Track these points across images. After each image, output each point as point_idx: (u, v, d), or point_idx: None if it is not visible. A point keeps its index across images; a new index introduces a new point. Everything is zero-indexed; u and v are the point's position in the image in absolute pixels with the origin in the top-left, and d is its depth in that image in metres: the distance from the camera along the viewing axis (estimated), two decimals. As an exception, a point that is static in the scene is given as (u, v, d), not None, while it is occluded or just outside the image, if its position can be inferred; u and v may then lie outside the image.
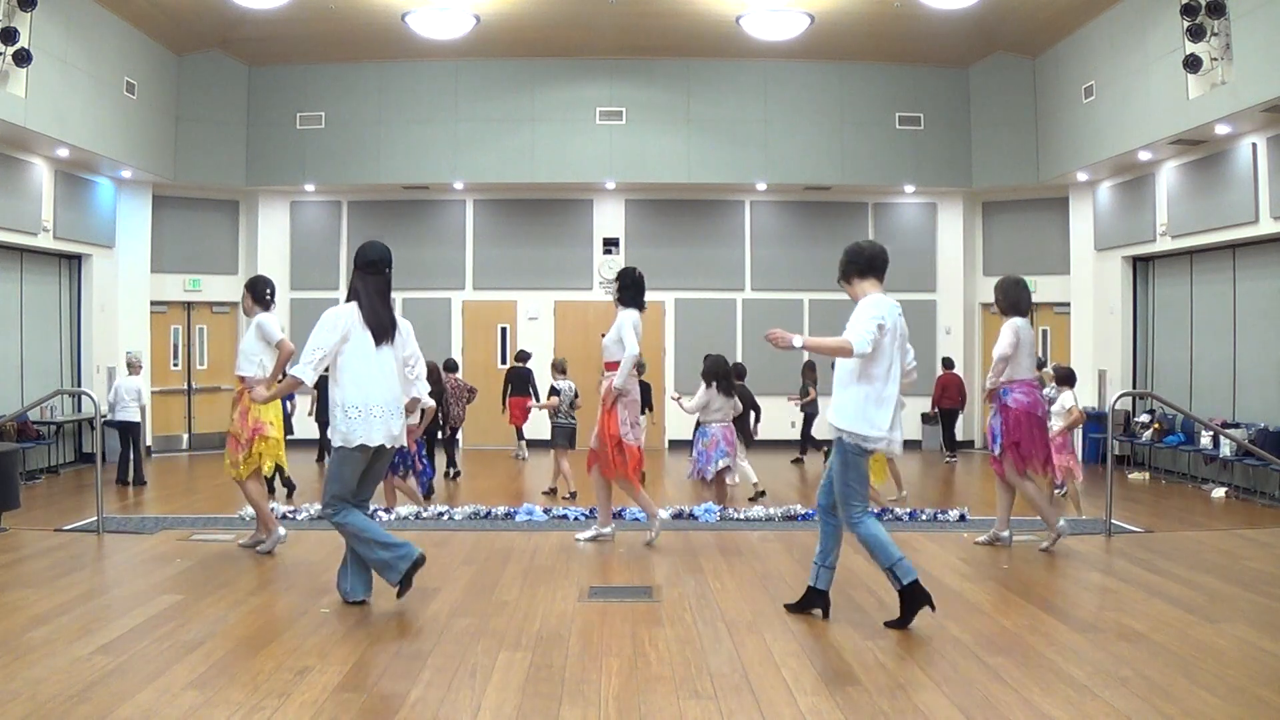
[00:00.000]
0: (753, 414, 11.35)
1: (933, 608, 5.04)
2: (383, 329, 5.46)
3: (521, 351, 14.27)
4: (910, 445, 15.11)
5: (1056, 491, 9.84)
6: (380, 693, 4.09)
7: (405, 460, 9.10)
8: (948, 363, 14.99)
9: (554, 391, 10.86)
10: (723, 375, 9.58)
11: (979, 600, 5.60)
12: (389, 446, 5.48)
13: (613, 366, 7.10)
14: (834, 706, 3.93)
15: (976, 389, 15.46)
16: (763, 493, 10.39)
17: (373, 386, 5.38)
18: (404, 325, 5.63)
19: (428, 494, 9.67)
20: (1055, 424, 8.91)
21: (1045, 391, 8.78)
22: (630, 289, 7.21)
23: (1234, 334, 11.86)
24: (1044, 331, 15.36)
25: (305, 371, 5.38)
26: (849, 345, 4.91)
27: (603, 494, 7.40)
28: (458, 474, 12.35)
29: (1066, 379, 9.35)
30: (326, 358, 5.38)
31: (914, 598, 4.98)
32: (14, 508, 8.02)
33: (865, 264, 5.27)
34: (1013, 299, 7.03)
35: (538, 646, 4.72)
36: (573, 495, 10.36)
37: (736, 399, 9.73)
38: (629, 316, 7.10)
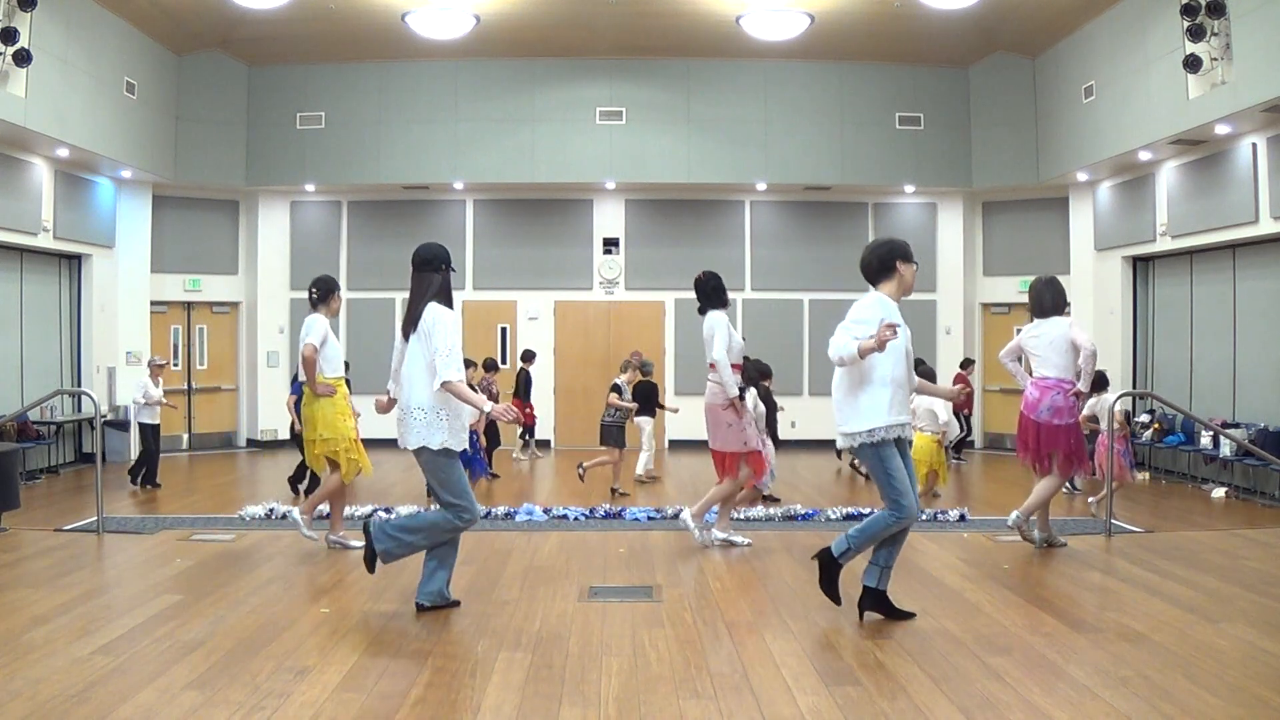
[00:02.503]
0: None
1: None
2: (405, 325, 5.41)
3: (526, 351, 14.39)
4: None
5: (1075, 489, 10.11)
6: (380, 693, 4.09)
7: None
8: (963, 363, 14.89)
9: (617, 389, 10.94)
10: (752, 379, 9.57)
11: (979, 600, 5.59)
12: (413, 449, 5.28)
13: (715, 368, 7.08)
14: (834, 706, 3.92)
15: (978, 389, 15.51)
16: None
17: (402, 389, 5.40)
18: (430, 315, 5.28)
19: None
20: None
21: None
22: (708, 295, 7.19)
23: (1234, 334, 11.86)
24: (1044, 331, 15.32)
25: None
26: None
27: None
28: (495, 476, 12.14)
29: (1095, 384, 9.18)
30: (396, 357, 5.51)
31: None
32: (14, 508, 8.02)
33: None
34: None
35: (538, 646, 4.72)
36: (611, 492, 10.66)
37: (759, 402, 9.66)
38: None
